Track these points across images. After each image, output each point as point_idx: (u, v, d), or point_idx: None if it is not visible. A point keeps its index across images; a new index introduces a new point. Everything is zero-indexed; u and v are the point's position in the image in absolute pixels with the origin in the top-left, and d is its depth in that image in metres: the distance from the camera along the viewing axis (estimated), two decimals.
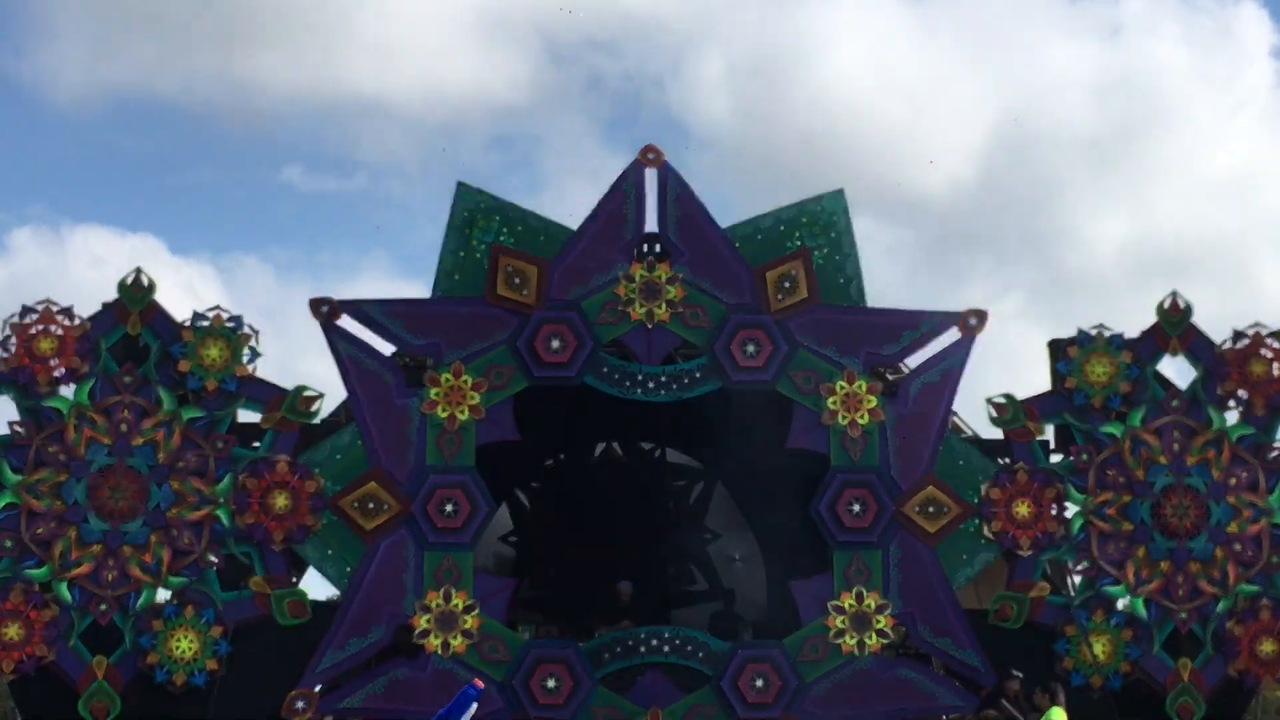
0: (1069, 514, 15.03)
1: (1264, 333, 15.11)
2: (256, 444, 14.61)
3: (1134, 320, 15.62)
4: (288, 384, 14.68)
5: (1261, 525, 14.83)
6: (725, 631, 15.61)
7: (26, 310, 14.13)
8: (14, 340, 14.13)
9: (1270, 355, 14.97)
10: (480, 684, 12.77)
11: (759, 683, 14.34)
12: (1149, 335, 15.29)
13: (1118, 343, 15.10)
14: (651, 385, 14.83)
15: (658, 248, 15.06)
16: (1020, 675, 13.59)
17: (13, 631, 13.81)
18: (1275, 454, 15.14)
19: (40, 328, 14.19)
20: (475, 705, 11.92)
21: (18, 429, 14.14)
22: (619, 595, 15.64)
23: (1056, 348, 15.21)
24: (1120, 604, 14.87)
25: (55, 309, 14.19)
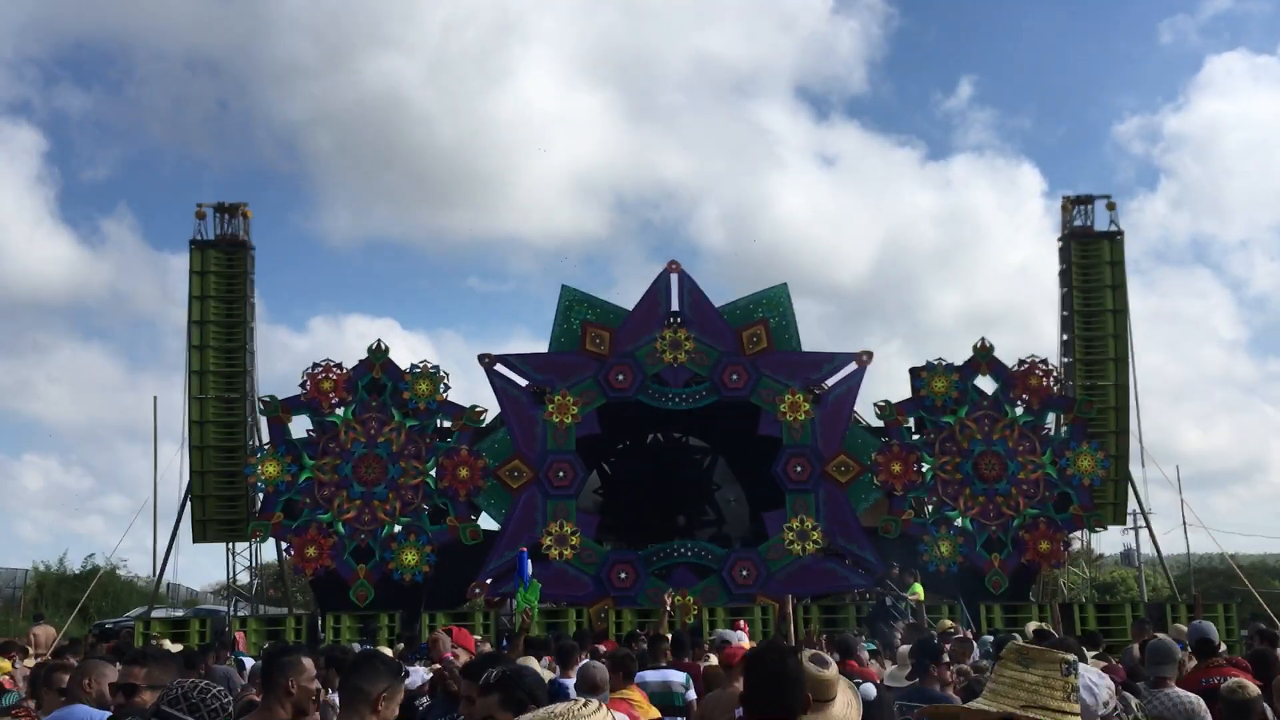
0: (924, 469, 21.23)
1: (1036, 360, 21.83)
2: (449, 439, 20.86)
3: (961, 354, 21.88)
4: (466, 403, 21.14)
5: (1038, 474, 21.38)
6: (724, 543, 21.65)
7: (315, 365, 20.95)
8: (308, 382, 20.87)
9: (1040, 374, 21.67)
10: (525, 549, 16.78)
11: (744, 572, 20.43)
12: (968, 363, 21.65)
13: (950, 368, 21.52)
14: (677, 400, 20.98)
15: (678, 319, 21.19)
16: (896, 564, 19.40)
17: (311, 551, 20.33)
18: (1045, 432, 21.79)
19: (323, 374, 20.88)
20: (529, 561, 15.14)
21: (312, 433, 20.83)
22: (680, 523, 21.52)
23: (914, 372, 21.59)
24: (956, 522, 21.14)
25: (332, 363, 20.97)
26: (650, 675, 9.38)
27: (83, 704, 5.16)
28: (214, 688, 3.38)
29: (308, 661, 4.88)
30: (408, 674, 4.54)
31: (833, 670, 4.40)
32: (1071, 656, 3.17)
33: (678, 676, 9.55)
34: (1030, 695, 3.06)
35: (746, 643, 10.56)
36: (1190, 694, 6.74)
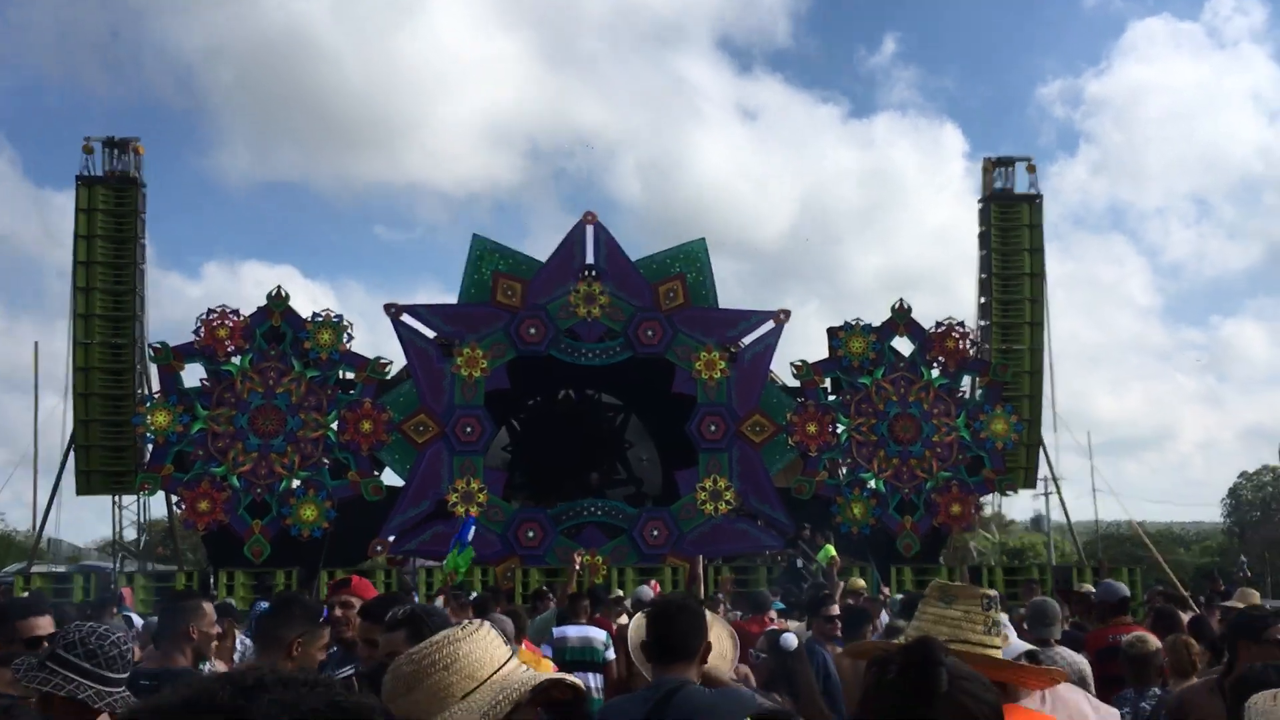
0: (839, 430, 21.35)
1: (953, 323, 21.92)
2: (352, 391, 20.35)
3: (879, 314, 21.96)
4: (370, 354, 20.67)
5: (952, 437, 21.55)
6: (635, 502, 21.65)
7: (210, 311, 20.21)
8: (203, 329, 20.13)
9: (957, 336, 21.79)
10: (474, 514, 17.10)
11: (655, 532, 20.40)
12: (886, 324, 21.70)
13: (867, 329, 21.56)
14: (590, 355, 20.70)
15: (594, 272, 20.90)
16: (808, 526, 19.84)
17: (204, 505, 19.71)
18: (960, 395, 21.95)
19: (219, 321, 20.15)
20: (474, 526, 14.50)
21: (206, 383, 20.15)
22: (592, 481, 21.43)
23: (832, 332, 21.57)
24: (870, 484, 21.29)
25: (229, 309, 20.28)
26: (571, 631, 9.39)
27: None
28: (114, 633, 3.17)
29: (208, 607, 4.92)
30: (326, 619, 4.47)
31: (714, 614, 4.46)
32: (992, 592, 3.23)
33: (599, 634, 9.55)
34: (952, 630, 3.11)
35: None
36: (1077, 654, 6.92)
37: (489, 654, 2.33)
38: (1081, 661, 6.83)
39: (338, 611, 5.34)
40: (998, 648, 3.05)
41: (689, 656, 3.77)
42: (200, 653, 4.94)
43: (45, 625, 4.61)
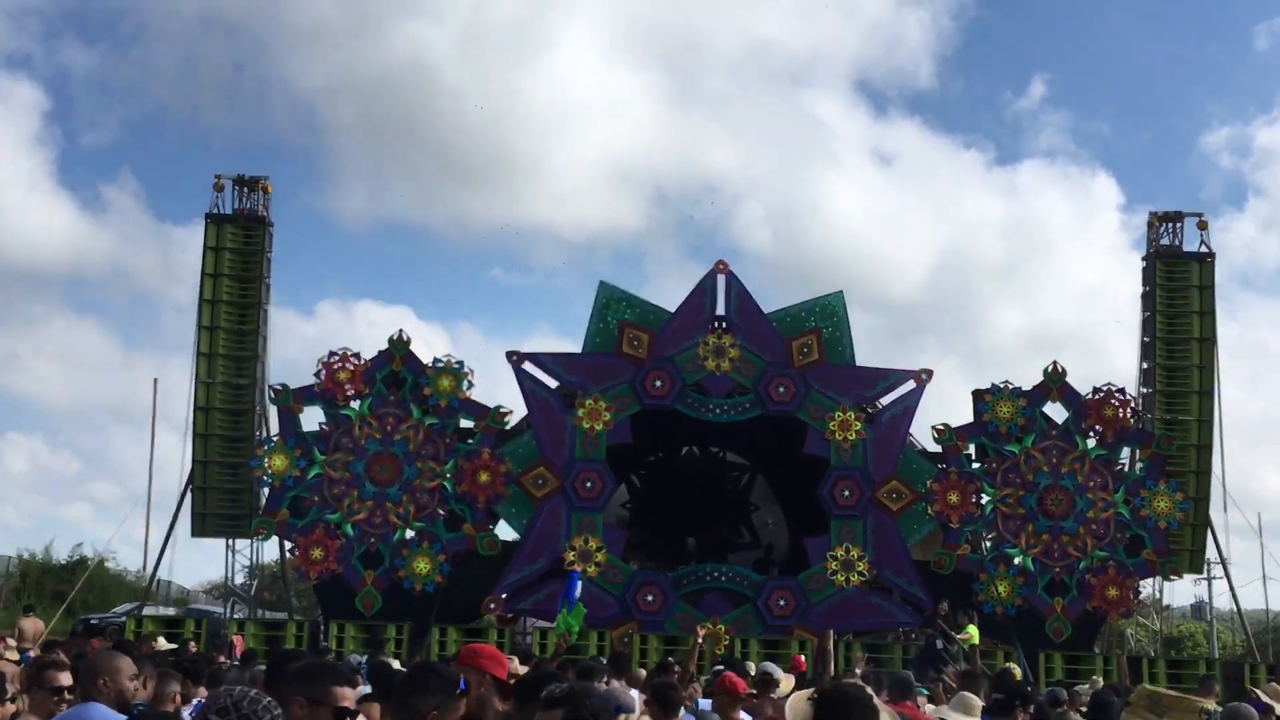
0: (983, 501, 20.59)
1: (1113, 389, 21.03)
2: (470, 440, 20.40)
3: (1028, 377, 21.19)
4: (490, 403, 20.69)
5: (1110, 514, 20.57)
6: (762, 569, 21.21)
7: (332, 354, 20.45)
8: (323, 372, 20.41)
9: (1117, 404, 20.85)
10: (579, 568, 17.01)
11: (781, 602, 19.92)
12: (1038, 388, 20.92)
13: (1017, 392, 20.83)
14: (718, 411, 20.43)
15: (724, 324, 20.66)
16: (947, 602, 18.69)
17: (317, 553, 19.84)
18: (1119, 468, 20.97)
19: (340, 364, 20.40)
20: (580, 583, 15.22)
21: (324, 426, 20.39)
22: (688, 546, 21.25)
23: (977, 395, 20.92)
24: (1016, 560, 20.43)
25: (349, 352, 20.49)
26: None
27: (98, 703, 4.71)
28: (264, 698, 3.20)
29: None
30: (464, 691, 4.36)
31: (877, 700, 4.33)
32: (1212, 706, 2.74)
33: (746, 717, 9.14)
34: None
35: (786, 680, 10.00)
36: None
37: None
38: None
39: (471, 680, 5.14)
40: None
41: None
42: None
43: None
